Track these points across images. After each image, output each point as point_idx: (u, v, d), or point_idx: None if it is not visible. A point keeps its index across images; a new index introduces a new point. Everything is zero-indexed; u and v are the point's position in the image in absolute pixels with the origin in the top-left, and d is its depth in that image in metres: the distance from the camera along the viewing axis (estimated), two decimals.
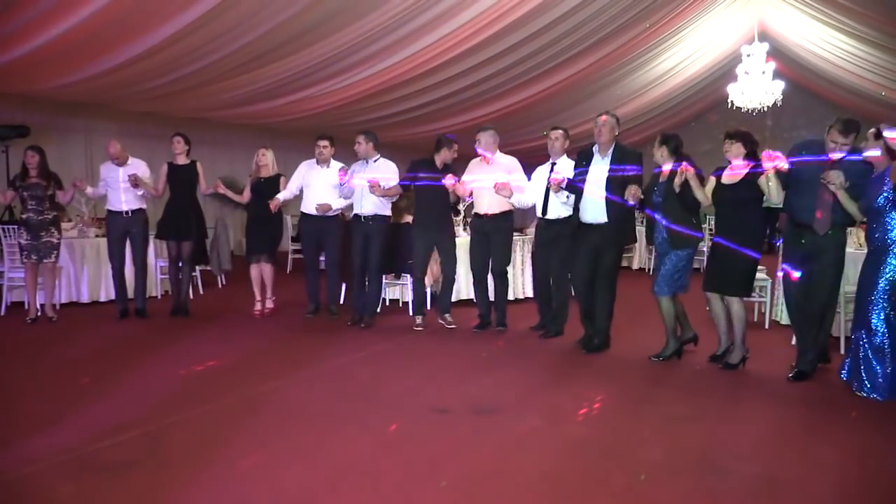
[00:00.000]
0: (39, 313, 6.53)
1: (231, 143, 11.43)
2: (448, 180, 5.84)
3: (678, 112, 16.90)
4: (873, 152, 4.33)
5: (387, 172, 6.23)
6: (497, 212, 5.99)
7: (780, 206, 4.75)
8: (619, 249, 5.44)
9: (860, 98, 14.63)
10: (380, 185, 6.00)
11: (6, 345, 5.64)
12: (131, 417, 3.70)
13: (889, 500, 2.91)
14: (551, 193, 5.70)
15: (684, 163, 4.79)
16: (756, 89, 12.76)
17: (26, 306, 6.65)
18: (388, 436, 3.48)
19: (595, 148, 5.38)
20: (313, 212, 6.61)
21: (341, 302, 7.01)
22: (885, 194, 4.09)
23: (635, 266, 11.21)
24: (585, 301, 5.39)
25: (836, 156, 4.32)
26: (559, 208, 5.78)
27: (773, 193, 4.50)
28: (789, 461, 3.19)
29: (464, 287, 7.23)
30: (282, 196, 6.63)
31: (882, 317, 4.13)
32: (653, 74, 13.89)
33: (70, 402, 4.05)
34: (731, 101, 13.23)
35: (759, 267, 5.02)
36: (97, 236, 7.43)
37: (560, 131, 5.98)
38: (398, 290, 7.59)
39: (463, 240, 6.62)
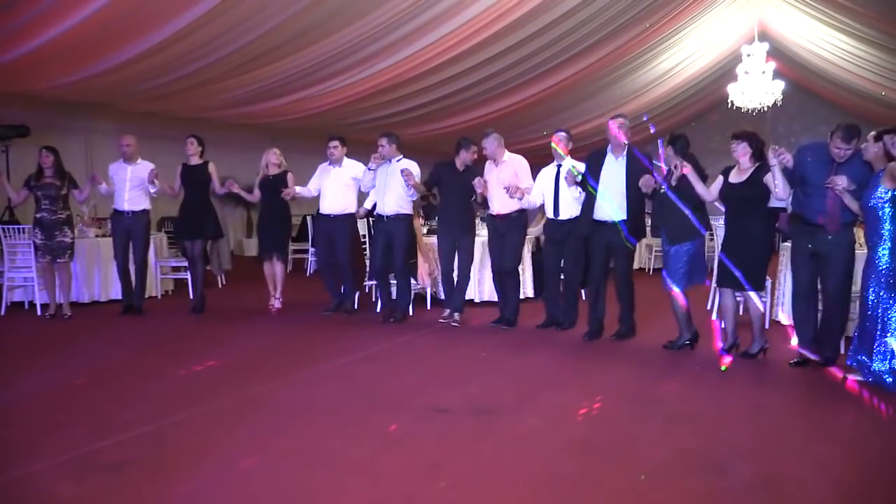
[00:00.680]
0: (52, 312, 6.58)
1: (232, 142, 11.40)
2: (479, 187, 6.02)
3: (678, 112, 16.90)
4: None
5: (401, 166, 6.33)
6: (508, 212, 6.15)
7: (783, 205, 4.90)
8: (633, 249, 5.65)
9: (860, 98, 14.63)
10: (412, 174, 6.20)
11: (6, 344, 5.65)
12: (131, 417, 3.70)
13: (889, 500, 2.90)
14: (562, 192, 5.86)
15: (679, 159, 5.00)
16: (756, 89, 12.76)
17: (33, 303, 6.65)
18: (388, 436, 3.48)
19: (609, 148, 5.54)
20: (327, 212, 6.75)
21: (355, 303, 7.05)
22: (879, 195, 4.27)
23: (635, 266, 11.18)
24: (595, 297, 5.68)
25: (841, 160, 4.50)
26: (570, 208, 5.89)
27: (780, 189, 4.61)
28: (789, 461, 3.19)
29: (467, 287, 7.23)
30: (298, 189, 6.76)
31: (884, 307, 4.30)
32: (653, 74, 13.89)
33: (70, 401, 4.05)
34: (731, 101, 13.22)
35: None
36: (97, 236, 7.43)
37: (562, 134, 6.08)
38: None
39: (481, 239, 6.88)
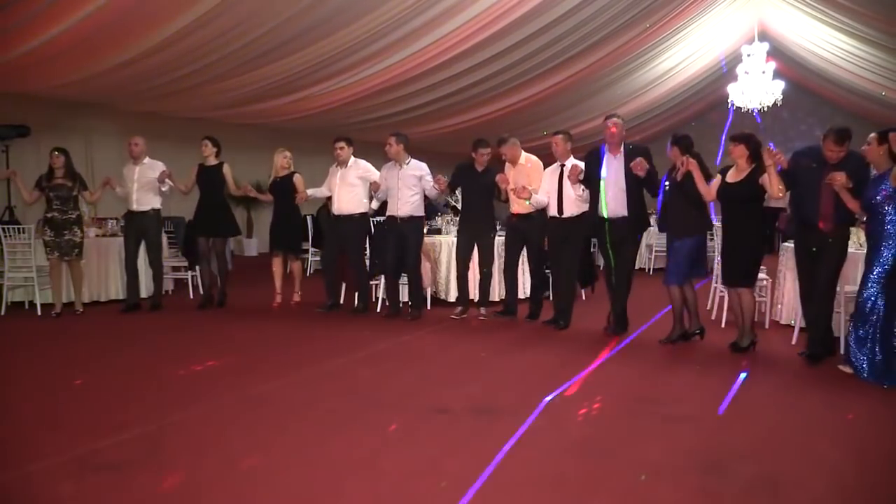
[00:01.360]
0: (58, 311, 6.64)
1: (232, 142, 11.34)
2: (503, 182, 6.27)
3: (678, 112, 16.90)
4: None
5: (420, 171, 6.57)
6: (527, 212, 6.35)
7: (781, 204, 4.96)
8: (637, 242, 5.83)
9: (860, 98, 14.63)
10: (442, 179, 6.48)
11: (6, 344, 5.65)
12: (131, 417, 3.70)
13: (890, 501, 2.90)
14: (565, 190, 5.98)
15: (686, 157, 5.15)
16: (756, 89, 12.76)
17: (29, 304, 6.67)
18: (388, 435, 3.48)
19: (605, 148, 5.68)
20: (338, 212, 6.89)
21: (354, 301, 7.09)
22: (884, 191, 4.32)
23: (636, 265, 11.19)
24: (612, 292, 5.85)
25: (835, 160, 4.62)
26: (573, 206, 5.99)
27: (775, 189, 4.75)
28: (789, 461, 3.19)
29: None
30: (311, 191, 7.01)
31: (872, 301, 4.38)
32: (653, 74, 13.89)
33: (69, 401, 4.06)
34: (732, 101, 13.22)
35: (761, 266, 5.25)
36: (97, 236, 7.44)
37: (560, 136, 6.17)
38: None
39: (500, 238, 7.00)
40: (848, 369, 4.50)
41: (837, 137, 4.58)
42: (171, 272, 8.14)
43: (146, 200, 6.85)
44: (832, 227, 4.68)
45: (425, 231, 7.38)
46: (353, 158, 6.86)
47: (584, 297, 6.02)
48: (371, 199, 6.89)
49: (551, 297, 6.50)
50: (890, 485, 3.01)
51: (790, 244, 5.51)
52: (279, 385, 4.37)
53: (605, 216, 5.66)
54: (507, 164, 6.59)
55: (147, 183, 6.81)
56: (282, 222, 7.17)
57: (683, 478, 2.96)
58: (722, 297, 6.53)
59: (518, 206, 6.36)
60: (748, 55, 12.66)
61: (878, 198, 4.35)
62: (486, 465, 3.10)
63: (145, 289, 7.51)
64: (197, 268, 8.12)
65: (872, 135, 4.51)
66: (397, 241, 6.50)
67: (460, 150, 6.50)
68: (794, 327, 5.59)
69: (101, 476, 2.96)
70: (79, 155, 9.66)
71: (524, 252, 6.66)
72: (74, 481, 2.91)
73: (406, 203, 6.45)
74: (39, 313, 6.67)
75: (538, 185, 6.28)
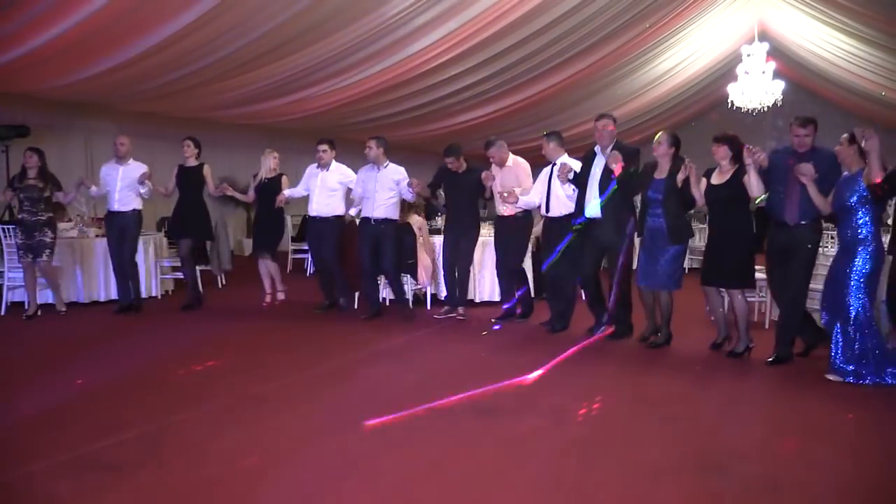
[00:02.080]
0: (39, 312, 6.58)
1: (230, 143, 11.41)
2: (488, 180, 6.24)
3: (678, 112, 16.89)
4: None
5: (398, 175, 6.55)
6: (514, 213, 6.32)
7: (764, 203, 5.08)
8: (622, 243, 5.57)
9: (860, 98, 14.63)
10: (419, 183, 6.44)
11: (6, 344, 5.65)
12: (131, 417, 3.70)
13: (889, 500, 2.90)
14: (554, 190, 5.94)
15: (687, 160, 5.09)
16: (756, 89, 12.75)
17: (26, 305, 6.66)
18: (387, 435, 3.48)
19: (597, 148, 5.66)
20: (315, 214, 6.86)
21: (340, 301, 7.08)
22: (858, 193, 4.32)
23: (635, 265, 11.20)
24: (593, 293, 5.75)
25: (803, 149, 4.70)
26: (561, 206, 5.95)
27: (753, 187, 4.78)
28: (789, 461, 3.19)
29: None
30: (288, 192, 6.92)
31: (857, 307, 4.37)
32: (653, 74, 13.88)
33: (69, 401, 4.05)
34: (732, 101, 13.22)
35: (758, 267, 5.21)
36: (97, 236, 7.44)
37: (552, 142, 6.13)
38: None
39: (483, 239, 6.99)
40: (834, 377, 4.44)
41: (802, 121, 4.70)
42: (170, 272, 8.13)
43: (129, 201, 6.74)
44: (798, 223, 4.70)
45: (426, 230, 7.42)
46: (334, 162, 6.85)
47: (584, 298, 6.01)
48: (347, 207, 6.91)
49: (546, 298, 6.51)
50: (889, 485, 3.01)
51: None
52: (279, 385, 4.37)
53: (590, 216, 5.59)
54: (493, 167, 6.52)
55: (131, 183, 6.71)
56: (268, 224, 7.15)
57: (683, 478, 2.96)
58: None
59: (503, 208, 6.36)
60: (748, 55, 12.65)
61: (852, 200, 4.35)
62: (486, 466, 3.10)
63: (154, 287, 7.54)
64: (198, 268, 8.13)
65: (844, 135, 4.55)
66: (372, 244, 6.49)
67: (469, 150, 6.52)
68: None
69: (101, 476, 2.96)
70: (79, 155, 9.65)
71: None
72: (74, 481, 2.91)
73: (382, 205, 6.46)
74: (39, 313, 6.67)
75: (527, 185, 6.30)
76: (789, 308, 4.87)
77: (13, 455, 3.19)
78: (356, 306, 7.01)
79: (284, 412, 3.86)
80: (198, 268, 8.18)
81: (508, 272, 6.50)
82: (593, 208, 5.56)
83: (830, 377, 4.45)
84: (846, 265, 4.43)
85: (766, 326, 6.31)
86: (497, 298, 7.07)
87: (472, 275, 6.78)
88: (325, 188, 6.76)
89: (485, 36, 8.84)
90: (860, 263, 4.36)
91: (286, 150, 10.47)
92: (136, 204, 6.82)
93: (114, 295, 7.22)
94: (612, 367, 4.94)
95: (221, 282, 8.81)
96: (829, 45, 12.92)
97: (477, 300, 7.28)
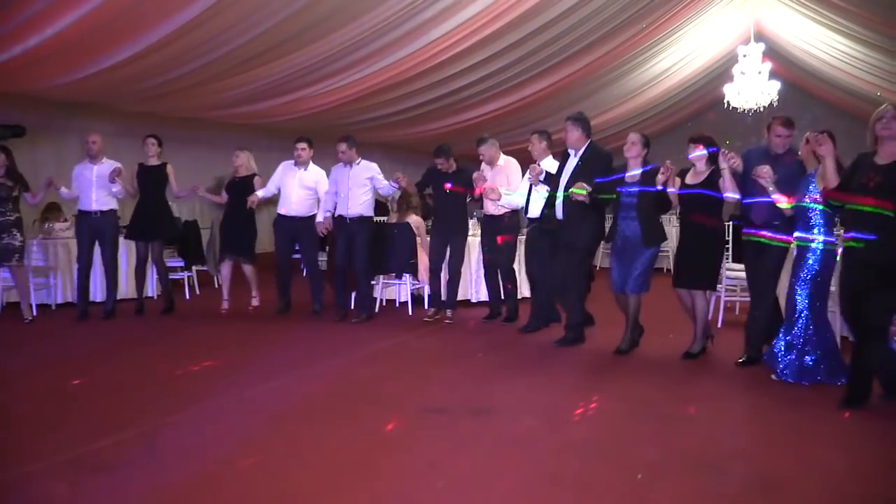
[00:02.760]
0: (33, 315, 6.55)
1: (227, 143, 11.29)
2: (479, 180, 6.19)
3: (675, 112, 16.92)
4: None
5: (370, 172, 6.53)
6: (502, 213, 6.33)
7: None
8: (585, 247, 5.50)
9: (856, 98, 14.65)
10: (404, 177, 6.44)
11: (2, 344, 5.64)
12: (127, 417, 3.70)
13: (884, 498, 2.92)
14: (533, 191, 5.95)
15: (668, 161, 5.06)
16: (752, 89, 12.78)
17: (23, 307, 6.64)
18: (384, 436, 3.48)
19: (570, 150, 5.58)
20: (288, 212, 6.79)
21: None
22: (810, 194, 4.39)
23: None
24: (560, 295, 5.77)
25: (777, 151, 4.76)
26: (539, 207, 5.93)
27: (728, 190, 4.82)
28: (784, 460, 3.20)
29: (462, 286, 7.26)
30: (260, 193, 6.79)
31: (802, 306, 4.41)
32: (649, 74, 13.90)
33: (65, 402, 4.05)
34: (728, 102, 13.24)
35: (737, 266, 5.27)
36: None
37: (535, 135, 6.14)
38: (394, 289, 7.59)
39: (475, 239, 7.02)
40: (777, 377, 4.49)
41: (786, 121, 4.77)
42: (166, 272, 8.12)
43: (106, 201, 6.63)
44: (763, 223, 4.74)
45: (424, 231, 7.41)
46: (313, 164, 6.84)
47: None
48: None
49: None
50: (885, 485, 3.02)
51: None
52: (276, 385, 4.37)
53: (559, 217, 5.53)
54: (483, 165, 6.53)
55: (105, 183, 6.59)
56: (236, 225, 6.91)
57: (679, 477, 2.98)
58: (718, 299, 6.55)
59: (494, 208, 6.33)
60: (744, 56, 12.68)
61: (804, 200, 4.41)
62: (483, 466, 3.10)
63: (151, 288, 7.48)
64: (193, 269, 8.12)
65: (806, 134, 4.64)
66: (346, 242, 6.45)
67: (454, 152, 6.48)
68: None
69: (98, 477, 2.96)
70: (75, 155, 9.62)
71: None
72: (71, 482, 2.91)
73: (356, 203, 6.42)
74: (35, 314, 6.65)
75: (517, 185, 6.26)
76: (757, 309, 4.91)
77: (10, 456, 3.19)
78: (352, 306, 7.00)
79: (282, 412, 3.86)
80: (194, 268, 8.21)
81: (505, 272, 6.50)
82: (559, 209, 5.51)
83: (774, 377, 4.51)
84: (798, 265, 4.47)
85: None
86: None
87: (467, 275, 6.80)
88: (302, 187, 6.74)
89: (482, 36, 8.84)
90: (811, 262, 4.39)
91: (284, 149, 10.43)
92: (113, 204, 6.70)
93: (76, 296, 7.13)
94: (608, 367, 4.95)
95: (218, 282, 8.80)
96: (825, 46, 12.95)
97: (473, 300, 7.29)
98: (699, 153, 4.98)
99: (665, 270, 9.90)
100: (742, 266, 5.39)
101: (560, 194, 5.45)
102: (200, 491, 2.84)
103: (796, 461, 3.20)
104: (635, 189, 5.10)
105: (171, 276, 7.93)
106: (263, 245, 11.72)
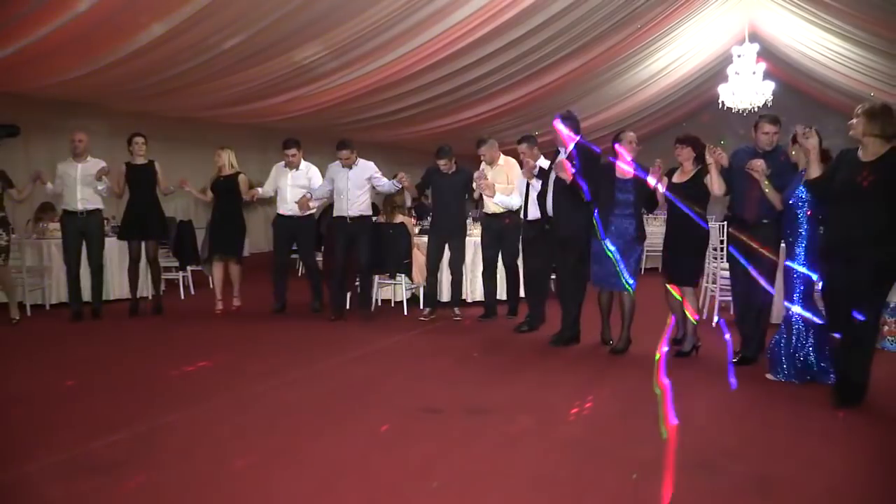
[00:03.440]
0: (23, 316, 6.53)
1: (222, 142, 11.33)
2: (480, 178, 6.29)
3: (670, 112, 16.95)
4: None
5: (368, 171, 6.59)
6: (501, 212, 6.45)
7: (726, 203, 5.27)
8: (584, 238, 5.48)
9: (850, 99, 14.69)
10: (407, 177, 6.54)
11: None
12: (123, 418, 3.69)
13: (879, 497, 2.93)
14: (531, 192, 6.03)
15: (658, 160, 5.17)
16: (747, 90, 12.81)
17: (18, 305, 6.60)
18: (380, 436, 3.48)
19: (560, 148, 5.63)
20: (286, 212, 6.86)
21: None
22: (796, 193, 4.45)
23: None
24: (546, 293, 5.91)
25: (766, 148, 4.81)
26: (537, 209, 5.96)
27: (715, 186, 4.92)
28: (780, 459, 3.21)
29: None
30: (261, 190, 6.93)
31: (792, 306, 4.46)
32: (644, 74, 13.92)
33: (61, 402, 4.04)
34: (722, 102, 13.27)
35: (724, 265, 5.37)
36: None
37: (524, 145, 6.16)
38: (390, 289, 7.59)
39: (472, 239, 7.11)
40: (772, 377, 4.53)
41: (772, 119, 4.84)
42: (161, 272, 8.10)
43: (92, 200, 6.60)
44: (759, 222, 4.78)
45: (416, 231, 7.44)
46: (303, 162, 6.89)
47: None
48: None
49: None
50: (880, 483, 3.03)
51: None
52: (271, 386, 4.37)
53: (550, 216, 5.64)
54: (483, 165, 6.63)
55: (90, 182, 6.54)
56: (224, 224, 6.92)
57: (675, 477, 2.98)
58: (713, 298, 6.57)
59: (490, 206, 6.48)
60: (739, 56, 12.71)
61: (791, 199, 4.49)
62: (478, 465, 3.11)
63: (145, 288, 7.46)
64: (188, 269, 8.09)
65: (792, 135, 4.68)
66: (347, 243, 6.49)
67: (460, 150, 6.57)
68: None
69: (93, 478, 2.95)
70: (70, 154, 9.62)
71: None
72: (65, 483, 2.90)
73: (356, 203, 6.49)
74: (29, 314, 6.64)
75: (518, 183, 6.37)
76: (756, 309, 4.93)
77: (5, 457, 3.18)
78: (348, 306, 7.01)
79: (277, 412, 3.85)
80: (189, 268, 8.19)
81: (509, 270, 6.68)
82: (548, 209, 5.62)
83: (769, 376, 4.55)
84: (787, 262, 4.54)
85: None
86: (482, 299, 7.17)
87: (464, 275, 6.86)
88: (296, 187, 6.80)
89: (478, 35, 8.84)
90: (798, 261, 4.46)
91: (279, 149, 10.39)
92: (98, 203, 6.67)
93: (111, 295, 7.18)
94: (603, 366, 4.96)
95: (212, 282, 8.79)
96: (819, 47, 13.00)
97: (469, 300, 7.30)
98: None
99: (657, 270, 9.91)
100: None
101: (550, 190, 5.56)
102: (195, 491, 2.83)
103: (792, 460, 3.21)
104: (630, 187, 5.22)
105: (166, 276, 7.94)
106: (260, 245, 11.75)
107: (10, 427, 3.63)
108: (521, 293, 6.84)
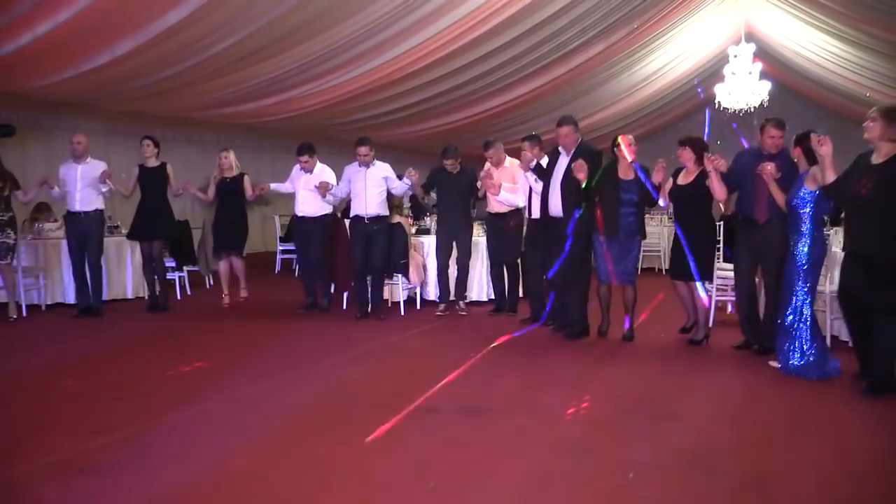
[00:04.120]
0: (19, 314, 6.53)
1: (219, 142, 11.29)
2: (487, 176, 6.49)
3: (666, 112, 16.99)
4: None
5: (384, 172, 6.65)
6: (505, 211, 6.67)
7: (728, 204, 5.50)
8: (586, 233, 5.60)
9: (845, 99, 14.76)
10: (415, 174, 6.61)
11: None
12: (118, 418, 3.68)
13: (875, 496, 2.93)
14: (533, 193, 6.11)
15: (661, 160, 5.36)
16: (743, 90, 12.84)
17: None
18: (376, 436, 3.48)
19: (560, 148, 5.78)
20: (302, 214, 6.95)
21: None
22: (799, 195, 4.54)
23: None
24: (557, 294, 5.90)
25: (773, 151, 4.92)
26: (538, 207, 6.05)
27: (717, 192, 5.11)
28: (776, 458, 3.22)
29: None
30: (274, 185, 7.11)
31: (797, 299, 4.55)
32: (641, 75, 13.95)
33: (57, 402, 4.03)
34: (719, 102, 13.29)
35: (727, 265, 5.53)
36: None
37: (527, 142, 6.25)
38: (387, 289, 7.58)
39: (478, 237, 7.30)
40: (776, 364, 4.67)
41: (778, 123, 4.93)
42: (170, 272, 8.08)
43: (90, 201, 6.63)
44: (766, 220, 4.89)
45: (413, 231, 7.45)
46: (319, 165, 6.94)
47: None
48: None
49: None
50: (876, 481, 3.04)
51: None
52: (267, 386, 4.36)
53: (553, 215, 5.72)
54: (489, 165, 6.78)
55: (92, 182, 6.58)
56: (228, 223, 7.08)
57: (671, 476, 2.98)
58: (710, 299, 6.57)
59: (494, 205, 6.66)
60: (735, 56, 12.73)
61: (794, 201, 4.57)
62: (475, 465, 3.10)
63: (141, 288, 7.50)
64: (185, 269, 8.09)
65: (794, 136, 4.77)
66: (365, 242, 6.55)
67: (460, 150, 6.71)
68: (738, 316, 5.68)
69: (88, 479, 2.94)
70: (65, 155, 9.60)
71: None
72: (60, 484, 2.89)
73: (373, 203, 6.55)
74: (25, 314, 6.62)
75: (522, 183, 6.46)
76: (773, 304, 4.99)
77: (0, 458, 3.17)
78: (344, 307, 7.01)
79: (273, 413, 3.85)
80: (185, 268, 8.20)
81: (510, 268, 6.84)
82: (555, 207, 5.69)
83: (772, 363, 4.69)
84: (790, 260, 4.62)
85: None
86: (485, 298, 7.34)
87: (470, 274, 7.06)
88: (309, 189, 6.83)
89: (473, 36, 8.86)
90: (799, 258, 4.55)
91: (275, 149, 10.39)
92: (99, 204, 6.72)
93: (110, 296, 7.18)
94: (601, 365, 4.96)
95: (209, 282, 8.78)
96: (815, 47, 13.04)
97: (476, 298, 7.36)
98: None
99: (657, 270, 9.96)
100: (731, 266, 5.52)
101: (558, 194, 5.64)
102: (191, 492, 2.83)
103: (788, 459, 3.22)
104: (633, 186, 5.41)
105: (168, 277, 7.96)
106: (257, 245, 11.74)
107: (5, 427, 3.62)
108: (521, 294, 6.98)
